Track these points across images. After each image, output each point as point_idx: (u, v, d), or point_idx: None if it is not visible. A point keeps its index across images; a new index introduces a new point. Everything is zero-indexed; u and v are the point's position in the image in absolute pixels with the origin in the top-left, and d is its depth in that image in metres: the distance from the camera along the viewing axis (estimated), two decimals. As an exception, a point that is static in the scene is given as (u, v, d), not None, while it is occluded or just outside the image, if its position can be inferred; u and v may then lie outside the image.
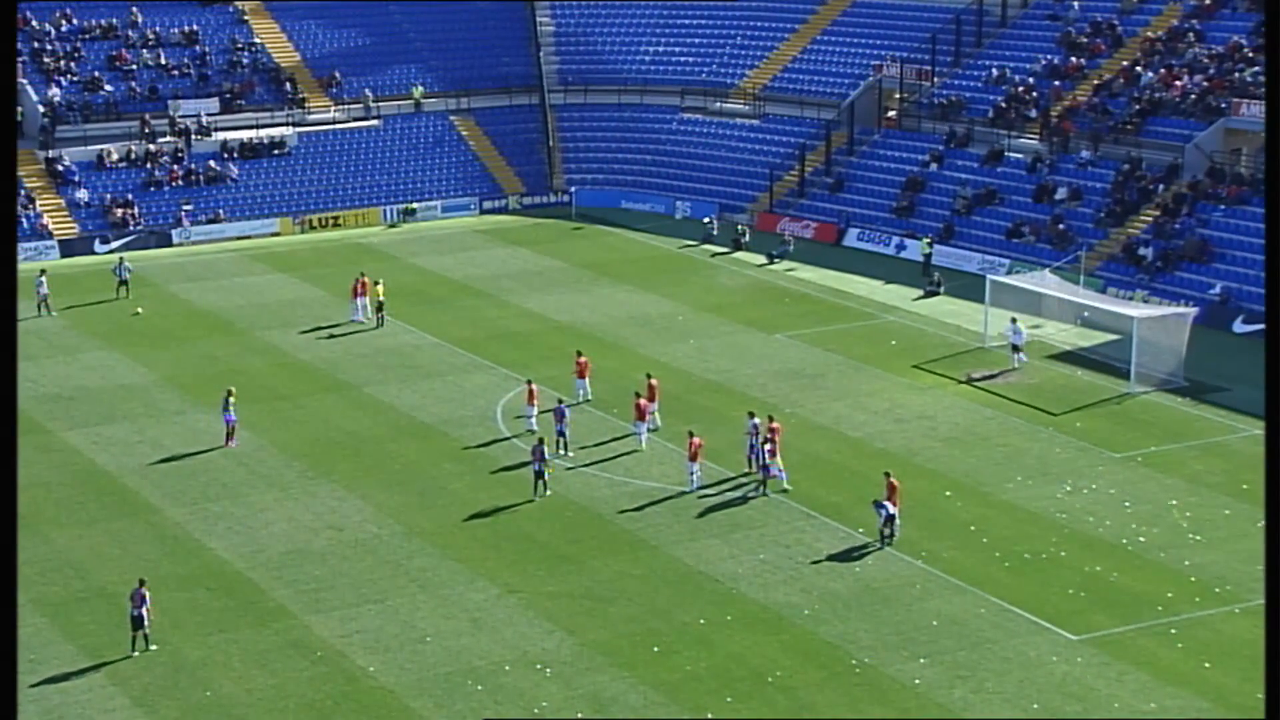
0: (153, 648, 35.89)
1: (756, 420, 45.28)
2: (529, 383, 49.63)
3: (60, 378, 54.65)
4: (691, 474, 44.22)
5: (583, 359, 52.25)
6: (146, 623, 35.78)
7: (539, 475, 43.54)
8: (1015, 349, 53.94)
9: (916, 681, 34.52)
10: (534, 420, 48.15)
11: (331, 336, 58.73)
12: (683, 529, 42.08)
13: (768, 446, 43.89)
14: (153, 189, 75.34)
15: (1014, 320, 54.13)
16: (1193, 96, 68.53)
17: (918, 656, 35.49)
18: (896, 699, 33.90)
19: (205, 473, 46.12)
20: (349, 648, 36.10)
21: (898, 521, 40.85)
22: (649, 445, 47.30)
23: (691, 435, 44.58)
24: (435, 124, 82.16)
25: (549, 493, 43.17)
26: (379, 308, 59.65)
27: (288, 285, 66.18)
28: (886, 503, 40.74)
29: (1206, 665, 35.08)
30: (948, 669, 34.98)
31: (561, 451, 46.29)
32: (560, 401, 47.82)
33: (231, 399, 48.07)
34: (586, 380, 51.72)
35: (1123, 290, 61.56)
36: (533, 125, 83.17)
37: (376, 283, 60.51)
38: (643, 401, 47.66)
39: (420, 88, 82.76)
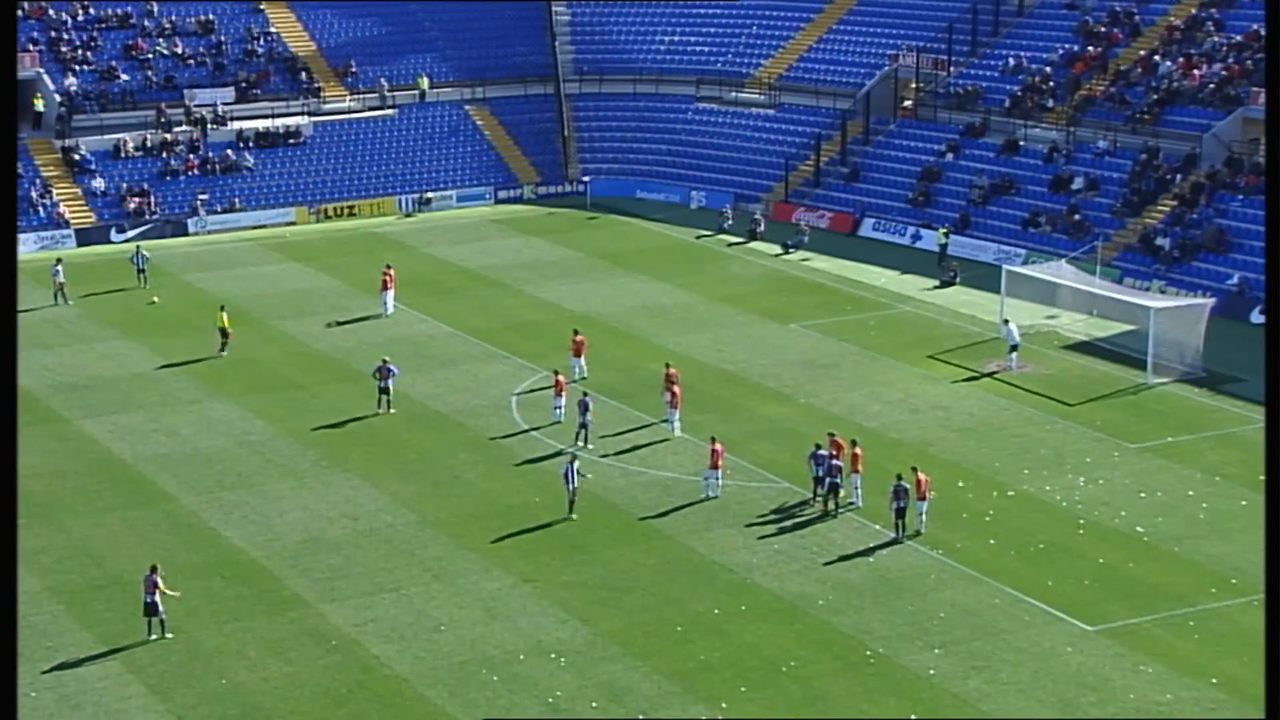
0: (169, 635, 35.96)
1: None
2: (556, 374, 49.59)
3: (76, 366, 54.78)
4: (707, 480, 43.11)
5: (579, 337, 52.54)
6: (161, 609, 35.86)
7: (573, 495, 41.80)
8: (1012, 348, 53.63)
9: (931, 672, 34.47)
10: (561, 411, 48.09)
11: (341, 325, 58.94)
12: (697, 519, 42.05)
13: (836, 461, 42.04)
14: (169, 178, 75.46)
15: (1007, 321, 54.06)
16: (1211, 86, 68.24)
17: (932, 647, 35.44)
18: (910, 689, 33.86)
19: (220, 461, 46.21)
20: (364, 636, 36.16)
21: (924, 517, 40.67)
22: (664, 434, 47.29)
23: (714, 441, 43.66)
24: (450, 114, 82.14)
25: (574, 516, 41.98)
26: (224, 334, 55.00)
27: (303, 275, 66.25)
28: (906, 497, 40.41)
29: (1223, 657, 34.97)
30: (962, 659, 34.94)
31: (582, 444, 46.21)
32: (585, 394, 47.70)
33: (390, 363, 49.48)
34: (582, 359, 51.95)
35: (1140, 281, 61.37)
36: (548, 115, 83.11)
37: (222, 307, 56.33)
38: (677, 389, 47.62)
39: (425, 78, 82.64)
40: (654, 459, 45.99)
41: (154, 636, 35.91)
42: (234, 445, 47.43)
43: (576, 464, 42.18)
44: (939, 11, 79.58)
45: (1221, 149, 65.99)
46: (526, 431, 48.15)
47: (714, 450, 43.15)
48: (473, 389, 52.09)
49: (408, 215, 76.32)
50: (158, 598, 35.80)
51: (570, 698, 33.64)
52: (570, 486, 41.73)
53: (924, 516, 40.71)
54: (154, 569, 36.26)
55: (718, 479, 43.11)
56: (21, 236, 67.71)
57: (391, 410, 49.26)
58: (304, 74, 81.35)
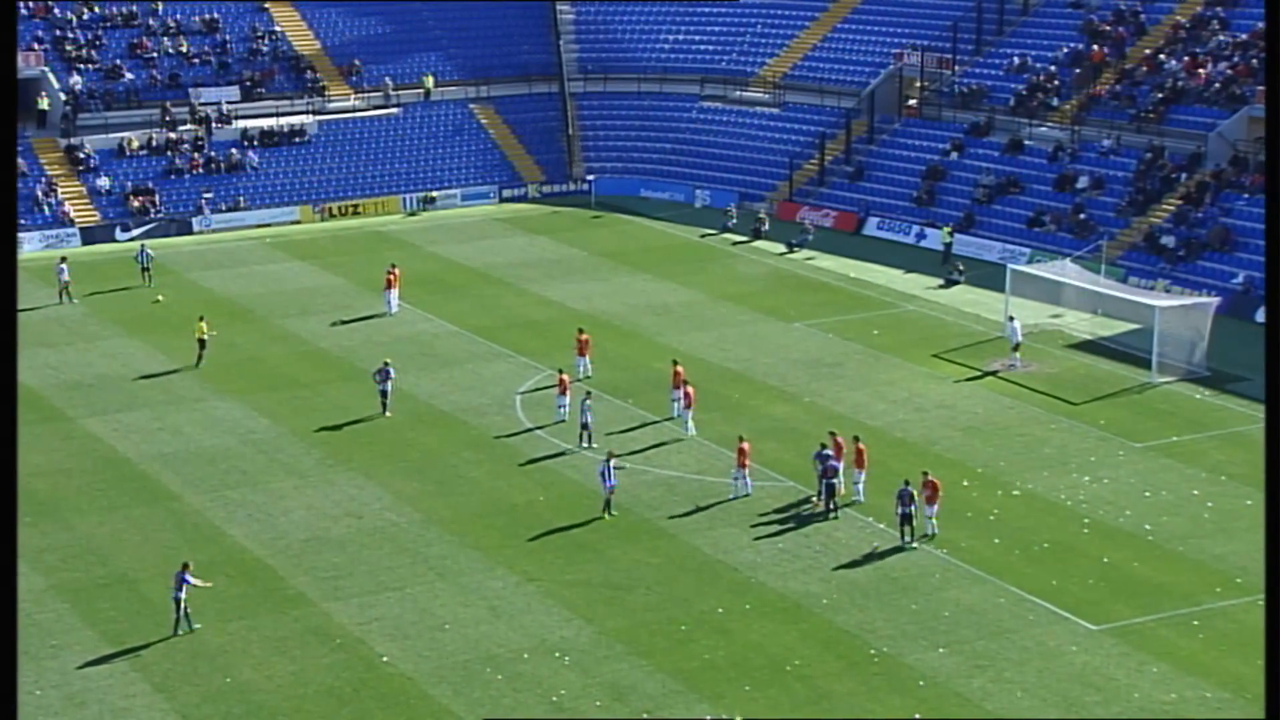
0: (179, 633, 35.92)
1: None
2: (560, 372, 49.58)
3: (81, 365, 54.82)
4: (736, 480, 43.05)
5: (584, 336, 52.60)
6: (184, 607, 35.91)
7: (610, 494, 41.89)
8: (1014, 347, 53.61)
9: (935, 671, 34.43)
10: (565, 410, 48.13)
11: (345, 323, 58.96)
12: (701, 518, 42.06)
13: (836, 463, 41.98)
14: (173, 177, 75.50)
15: (1011, 319, 54.10)
16: (1216, 84, 68.19)
17: (936, 646, 35.42)
18: (915, 688, 33.84)
19: (224, 460, 46.23)
20: (368, 635, 36.17)
21: (934, 520, 40.58)
22: (669, 433, 47.27)
23: (741, 440, 43.56)
24: (455, 112, 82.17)
25: (615, 513, 42.02)
26: (202, 344, 53.74)
27: (307, 273, 66.28)
28: (911, 502, 40.28)
29: (1227, 656, 34.94)
30: (966, 658, 34.92)
31: (585, 444, 46.21)
32: (588, 394, 47.68)
33: (390, 367, 49.46)
34: (587, 358, 51.99)
35: (1144, 279, 61.33)
36: (552, 114, 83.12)
37: (201, 317, 54.86)
38: (691, 389, 47.60)
39: (431, 76, 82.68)
40: (658, 458, 45.99)
41: (181, 631, 35.85)
42: (238, 444, 47.45)
43: (613, 463, 42.12)
44: (943, 10, 79.54)
45: (1226, 148, 65.93)
46: (531, 430, 48.15)
47: (740, 449, 43.10)
48: (477, 388, 52.10)
49: (412, 214, 76.33)
50: (184, 594, 35.84)
51: (574, 696, 33.64)
52: (609, 485, 41.63)
53: (934, 520, 40.58)
54: (185, 566, 36.32)
55: (743, 478, 43.01)
56: (26, 235, 67.84)
57: (387, 414, 49.10)
58: (309, 73, 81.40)
